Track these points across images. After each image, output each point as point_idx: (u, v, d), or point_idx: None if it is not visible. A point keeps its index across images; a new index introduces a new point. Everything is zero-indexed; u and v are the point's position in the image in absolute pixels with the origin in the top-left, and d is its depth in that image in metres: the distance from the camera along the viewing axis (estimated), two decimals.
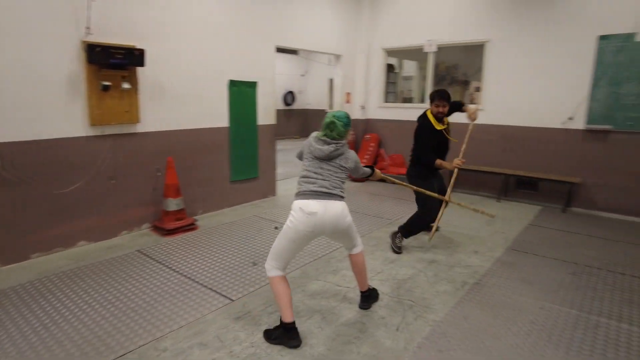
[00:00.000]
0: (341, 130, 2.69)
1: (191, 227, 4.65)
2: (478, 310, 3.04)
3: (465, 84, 10.62)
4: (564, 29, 5.54)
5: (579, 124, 5.58)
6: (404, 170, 7.16)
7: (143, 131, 4.46)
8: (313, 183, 2.66)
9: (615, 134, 5.35)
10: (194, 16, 4.77)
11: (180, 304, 3.06)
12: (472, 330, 2.79)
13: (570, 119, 5.62)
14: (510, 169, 6.18)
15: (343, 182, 2.76)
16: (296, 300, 3.12)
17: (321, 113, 14.86)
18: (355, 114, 7.61)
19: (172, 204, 4.51)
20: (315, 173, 2.69)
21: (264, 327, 2.75)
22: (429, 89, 7.08)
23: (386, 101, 7.79)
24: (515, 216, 5.38)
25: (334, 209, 2.64)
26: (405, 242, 4.32)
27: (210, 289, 3.30)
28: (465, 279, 3.55)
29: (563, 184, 5.68)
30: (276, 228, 3.82)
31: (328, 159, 2.69)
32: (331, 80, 14.45)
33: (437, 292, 3.32)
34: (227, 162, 5.43)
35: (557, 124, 5.76)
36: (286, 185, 6.91)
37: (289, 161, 9.25)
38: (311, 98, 15.08)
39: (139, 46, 4.19)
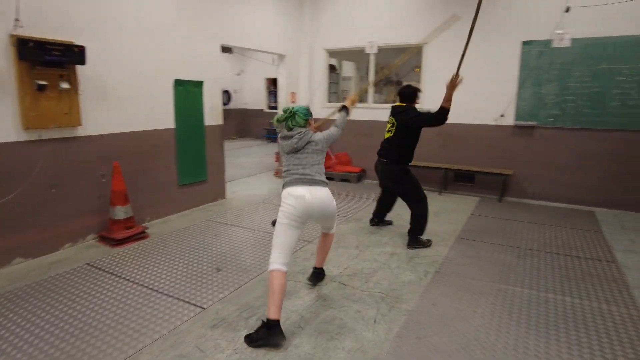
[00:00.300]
0: (300, 121, 2.84)
1: (142, 235, 4.37)
2: (443, 297, 3.23)
3: (398, 84, 11.16)
4: (493, 35, 6.05)
5: (509, 120, 6.14)
6: (350, 168, 7.37)
7: (85, 135, 4.10)
8: (295, 173, 2.83)
9: (539, 129, 5.96)
10: (137, 12, 4.49)
11: (149, 316, 2.88)
12: (442, 316, 2.96)
13: (502, 116, 6.16)
14: (449, 164, 6.61)
15: (321, 166, 2.93)
16: None
17: (259, 113, 14.72)
18: None
19: (121, 212, 4.21)
20: (294, 165, 2.85)
21: (244, 333, 2.68)
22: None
23: (330, 101, 7.93)
24: (457, 208, 5.77)
25: (320, 195, 2.82)
26: (367, 239, 4.46)
27: (178, 298, 3.14)
28: (426, 268, 3.75)
29: (498, 176, 6.21)
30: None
31: (297, 151, 2.84)
32: (269, 80, 14.38)
33: (403, 282, 3.47)
34: (174, 165, 5.18)
35: (490, 121, 6.28)
36: (234, 187, 6.76)
37: (232, 163, 9.06)
38: (248, 98, 14.84)
39: (78, 42, 3.85)
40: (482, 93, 6.26)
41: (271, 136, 13.87)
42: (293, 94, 7.37)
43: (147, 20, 4.62)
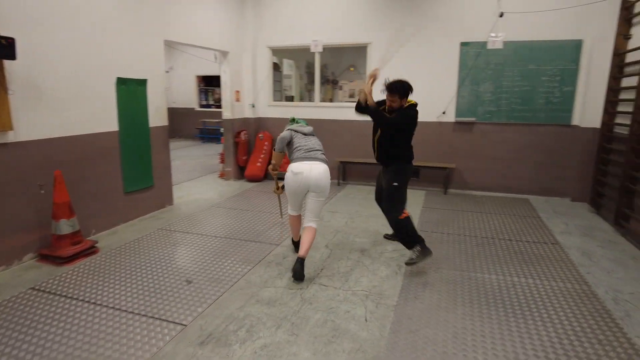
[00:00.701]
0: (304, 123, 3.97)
1: (92, 250, 3.93)
2: (422, 289, 3.34)
3: (334, 83, 11.33)
4: (433, 36, 6.37)
5: (451, 117, 6.51)
6: None
7: (18, 140, 3.57)
8: (304, 146, 3.63)
9: (478, 124, 6.41)
10: (73, 4, 4.00)
11: (125, 340, 2.59)
12: (427, 308, 3.05)
13: (444, 113, 6.51)
14: None
15: (322, 150, 3.73)
16: (257, 312, 2.95)
17: (190, 112, 14.03)
18: (246, 113, 7.42)
19: (66, 226, 3.74)
20: (305, 142, 3.68)
21: (237, 347, 2.53)
22: (318, 87, 7.33)
23: (275, 100, 7.79)
24: (408, 202, 5.99)
25: (318, 169, 3.50)
26: (334, 238, 4.46)
27: (153, 317, 2.87)
28: (398, 262, 3.84)
29: (441, 170, 6.57)
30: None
31: (311, 134, 3.85)
32: (200, 77, 13.76)
33: (381, 278, 3.52)
34: (119, 171, 4.73)
35: (433, 118, 6.61)
36: (179, 192, 6.36)
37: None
38: (177, 96, 14.06)
39: (5, 34, 3.33)
40: (425, 91, 6.55)
41: (205, 136, 13.31)
42: (237, 92, 7.12)
43: (86, 12, 4.15)
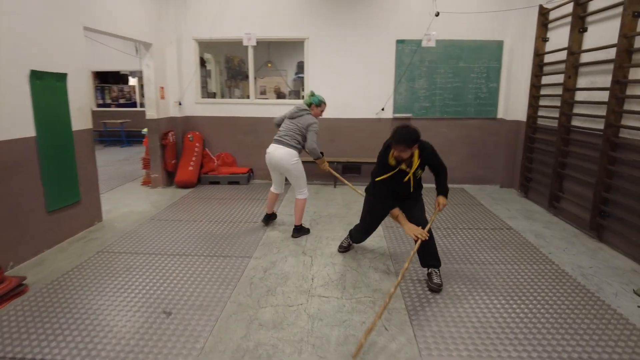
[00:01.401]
0: (308, 100, 4.25)
1: (20, 290, 3.11)
2: (421, 286, 3.30)
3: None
4: (370, 32, 6.43)
5: (389, 113, 6.66)
6: (237, 169, 6.84)
7: None
8: (280, 130, 4.23)
9: (414, 120, 6.65)
10: None
11: None
12: (437, 302, 3.02)
13: (383, 110, 6.63)
14: (337, 157, 6.80)
15: (298, 135, 4.11)
16: (267, 339, 2.60)
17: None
18: (172, 112, 6.67)
19: None
20: (283, 127, 4.22)
21: None
22: (252, 83, 6.91)
23: (203, 97, 7.15)
24: (353, 198, 5.98)
25: (278, 151, 4.09)
26: (306, 242, 4.20)
27: None
28: (383, 261, 3.76)
29: None
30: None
31: (291, 117, 4.20)
32: (95, 73, 12.10)
33: (376, 281, 3.40)
34: (39, 186, 3.84)
35: (372, 115, 6.69)
36: (106, 205, 5.44)
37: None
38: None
39: None
40: (364, 89, 6.61)
41: (107, 139, 11.77)
42: (162, 88, 6.35)
43: None
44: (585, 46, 4.69)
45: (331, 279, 3.42)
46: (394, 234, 4.46)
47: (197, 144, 6.72)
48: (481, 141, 6.67)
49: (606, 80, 4.32)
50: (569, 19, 4.98)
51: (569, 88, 4.84)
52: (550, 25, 5.48)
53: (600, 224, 4.29)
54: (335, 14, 6.43)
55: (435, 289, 3.21)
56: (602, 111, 4.36)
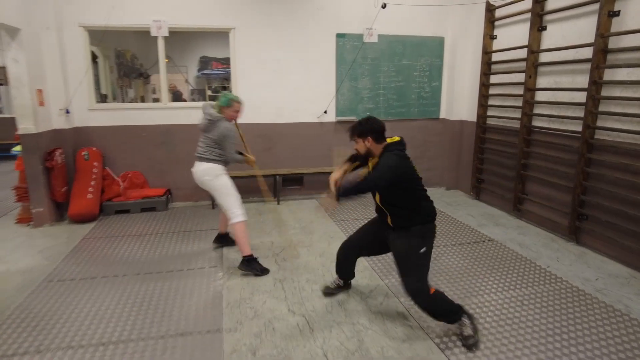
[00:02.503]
0: (218, 104, 3.56)
1: None
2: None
3: (147, 77, 9.25)
4: (307, 24, 5.61)
5: (331, 117, 5.94)
6: (150, 192, 5.49)
7: None
8: (197, 150, 3.64)
9: None
10: None
11: None
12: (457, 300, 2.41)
13: (325, 112, 5.88)
14: (276, 168, 5.88)
15: (216, 149, 3.54)
16: None
17: None
18: (56, 123, 4.99)
19: None
20: (199, 142, 3.64)
21: None
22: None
23: (98, 102, 5.55)
24: (306, 215, 5.17)
25: (199, 168, 3.59)
26: (281, 276, 3.25)
27: None
28: (392, 307, 3.04)
29: (325, 175, 5.98)
30: None
31: (204, 130, 3.59)
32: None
33: (405, 342, 2.66)
34: None
35: (313, 118, 5.90)
36: None
37: None
38: None
39: None
40: (303, 89, 5.78)
41: None
42: (40, 91, 4.67)
43: None
44: (545, 45, 4.56)
45: (349, 350, 2.58)
46: (383, 264, 3.77)
47: (95, 163, 5.16)
48: (424, 143, 6.37)
49: (573, 81, 4.22)
50: (522, 16, 4.84)
51: (530, 88, 4.69)
52: (497, 23, 5.33)
53: (578, 227, 4.19)
54: (267, 1, 5.45)
55: (467, 344, 2.57)
56: (571, 112, 4.26)
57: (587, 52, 3.99)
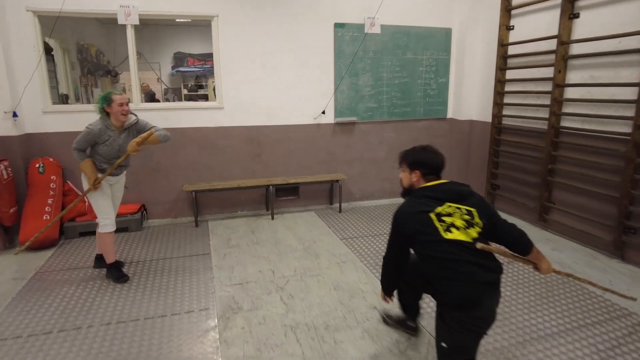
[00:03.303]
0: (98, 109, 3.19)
1: None
2: None
3: (115, 75, 8.32)
4: (301, 12, 4.89)
5: (330, 117, 5.26)
6: (120, 209, 4.62)
7: None
8: None
9: (359, 124, 5.40)
10: None
11: None
12: None
13: (323, 113, 5.19)
14: (269, 177, 5.16)
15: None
16: None
17: None
18: (0, 129, 4.11)
19: None
20: None
21: None
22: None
23: (54, 102, 4.67)
24: (308, 231, 4.48)
25: None
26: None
27: None
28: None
29: (327, 184, 5.32)
30: None
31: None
32: None
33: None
34: None
35: (309, 120, 5.20)
36: None
37: None
38: None
39: None
40: (296, 86, 5.07)
41: None
42: None
43: None
44: (577, 35, 4.02)
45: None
46: None
47: (52, 177, 4.30)
48: (430, 144, 5.77)
49: (616, 75, 3.68)
50: (547, 3, 4.29)
51: (559, 84, 4.15)
52: (514, 12, 4.77)
53: (624, 242, 3.68)
54: None
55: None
56: (613, 110, 3.73)
57: (634, 42, 3.47)
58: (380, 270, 2.34)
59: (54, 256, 3.92)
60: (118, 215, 4.50)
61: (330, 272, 3.51)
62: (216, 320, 2.83)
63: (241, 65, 4.86)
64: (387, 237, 2.21)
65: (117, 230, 4.45)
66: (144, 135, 3.07)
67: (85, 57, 7.06)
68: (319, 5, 4.93)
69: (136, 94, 4.72)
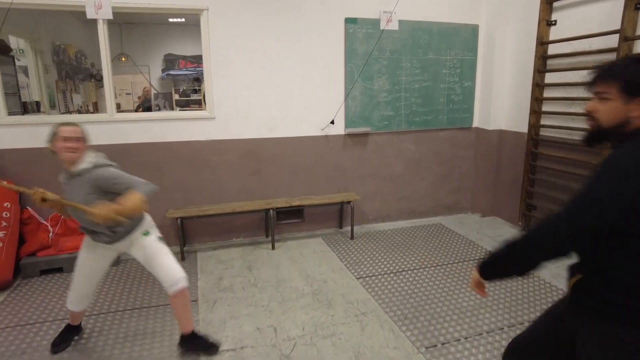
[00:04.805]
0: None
1: None
2: None
3: (99, 79, 7.58)
4: (306, 5, 4.17)
5: (340, 128, 4.53)
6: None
7: None
8: None
9: (373, 135, 4.67)
10: None
11: None
12: None
13: (332, 123, 4.46)
14: (268, 198, 4.42)
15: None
16: None
17: None
18: None
19: None
20: None
21: None
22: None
23: (10, 112, 3.93)
24: (318, 263, 3.74)
25: None
26: None
27: None
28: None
29: (333, 206, 4.59)
30: None
31: None
32: None
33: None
34: None
35: (316, 131, 4.47)
36: None
37: None
38: None
39: None
40: (301, 91, 4.34)
41: None
42: None
43: None
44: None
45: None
46: None
47: (6, 204, 3.55)
48: (453, 158, 5.05)
49: None
50: None
51: None
52: (557, 4, 4.06)
53: None
54: None
55: None
56: None
57: None
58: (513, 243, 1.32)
59: (4, 303, 3.16)
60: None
61: (349, 329, 2.76)
62: None
63: (236, 68, 4.12)
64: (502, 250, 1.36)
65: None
66: (126, 205, 2.08)
67: (62, 59, 6.31)
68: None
69: (110, 103, 3.97)
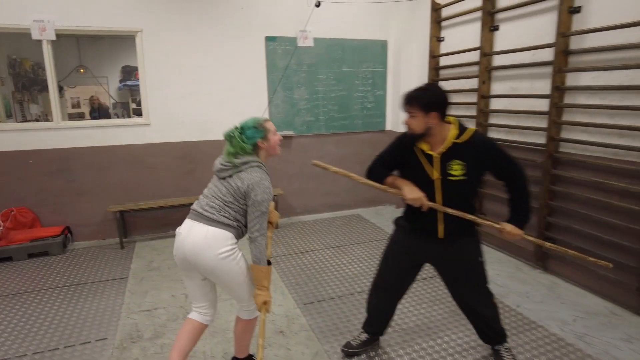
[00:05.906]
0: (245, 146, 2.12)
1: None
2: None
3: (58, 90, 8.01)
4: (230, 26, 4.81)
5: None
6: (41, 232, 4.42)
7: None
8: (198, 201, 2.17)
9: (297, 138, 5.32)
10: None
11: None
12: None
13: None
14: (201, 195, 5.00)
15: (229, 206, 2.07)
16: None
17: None
18: None
19: None
20: (206, 190, 2.20)
21: None
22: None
23: None
24: None
25: (197, 233, 2.02)
26: None
27: None
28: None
29: None
30: None
31: (219, 175, 2.17)
32: None
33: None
34: None
35: None
36: None
37: None
38: None
39: None
40: (230, 100, 4.96)
41: None
42: None
43: None
44: (498, 47, 4.07)
45: None
46: (325, 324, 3.01)
47: None
48: (370, 157, 5.70)
49: (532, 87, 3.73)
50: (471, 15, 4.34)
51: (485, 95, 4.18)
52: (444, 24, 4.82)
53: (545, 253, 3.68)
54: (178, 2, 4.61)
55: None
56: (531, 122, 3.77)
57: (547, 54, 3.51)
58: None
59: None
60: (37, 239, 4.31)
61: None
62: (111, 351, 2.65)
63: (171, 81, 4.72)
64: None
65: (36, 255, 4.25)
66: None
67: (18, 72, 6.77)
68: (248, 18, 4.85)
69: (56, 112, 4.50)
